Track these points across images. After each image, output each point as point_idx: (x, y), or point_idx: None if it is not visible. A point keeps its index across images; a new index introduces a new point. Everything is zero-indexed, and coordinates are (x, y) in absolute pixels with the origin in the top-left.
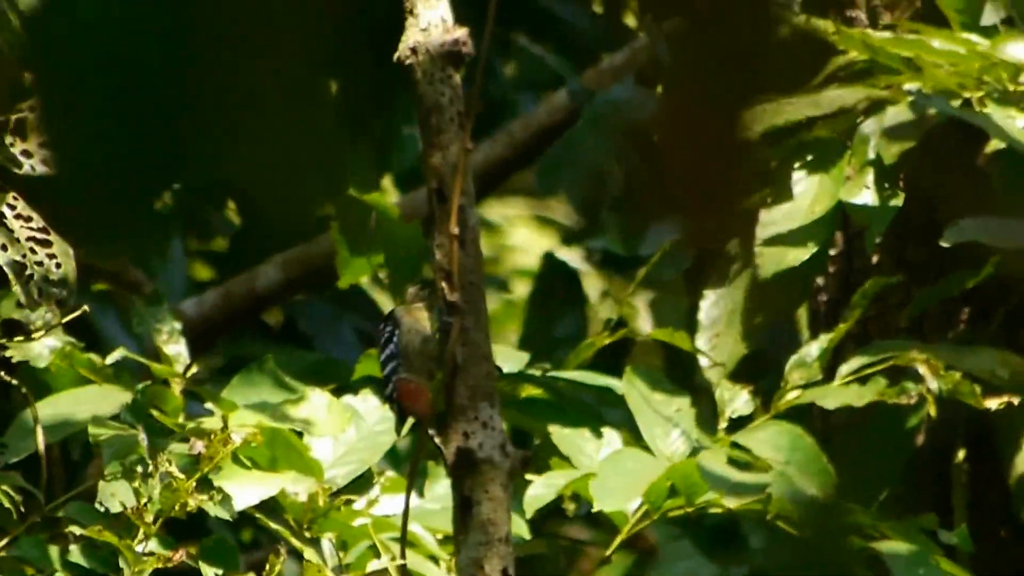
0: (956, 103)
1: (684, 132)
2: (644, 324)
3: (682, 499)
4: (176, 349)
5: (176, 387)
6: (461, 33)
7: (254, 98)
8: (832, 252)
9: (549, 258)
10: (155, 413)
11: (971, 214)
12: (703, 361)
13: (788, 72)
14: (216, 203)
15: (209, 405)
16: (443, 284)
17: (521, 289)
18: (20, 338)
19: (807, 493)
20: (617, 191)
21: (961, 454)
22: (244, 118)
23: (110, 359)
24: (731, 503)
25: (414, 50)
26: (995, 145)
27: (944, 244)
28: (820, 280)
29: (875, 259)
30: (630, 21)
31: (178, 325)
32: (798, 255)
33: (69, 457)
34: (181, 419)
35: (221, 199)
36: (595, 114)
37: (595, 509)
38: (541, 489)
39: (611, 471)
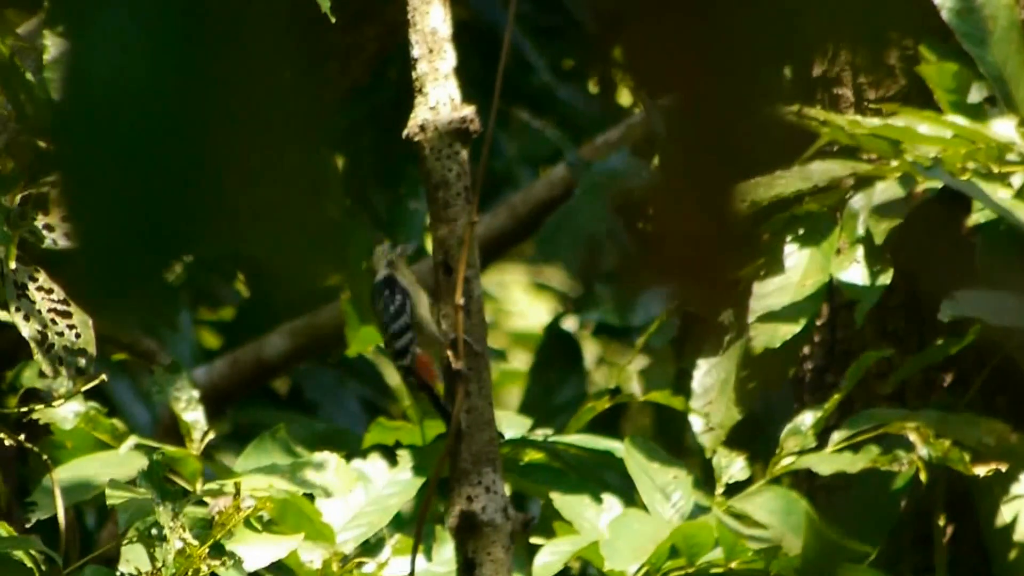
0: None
1: (677, 203)
2: (635, 388)
3: (683, 559)
4: (194, 416)
5: (193, 452)
6: (468, 111)
7: (263, 171)
8: (818, 322)
9: (551, 327)
10: (172, 477)
11: (954, 285)
12: (696, 425)
13: (778, 148)
14: (225, 274)
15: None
16: (449, 352)
17: (519, 353)
18: (41, 406)
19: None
20: (611, 260)
21: (942, 515)
22: (253, 191)
23: (129, 442)
24: (733, 563)
25: (423, 127)
26: (977, 218)
27: (942, 319)
28: (805, 348)
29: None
30: (623, 100)
31: (196, 393)
32: (790, 329)
33: (83, 521)
34: (199, 485)
35: (230, 270)
36: (592, 183)
37: (606, 569)
38: (549, 557)
39: (619, 533)
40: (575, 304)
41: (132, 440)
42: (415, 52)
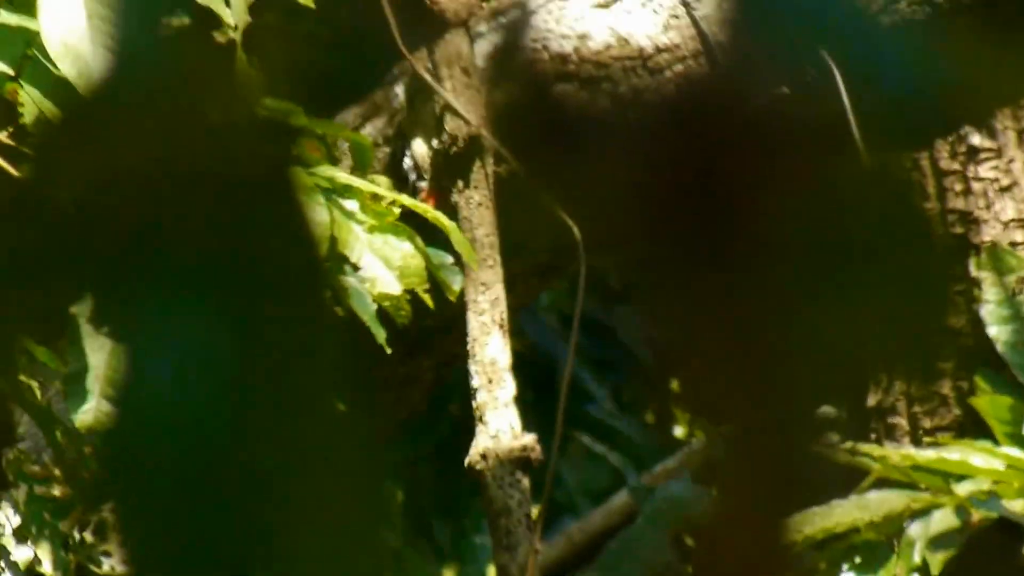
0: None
1: (736, 532)
2: None
3: None
4: None
5: None
6: (529, 439)
7: (317, 505)
8: None
9: None
10: None
11: None
12: None
13: (836, 478)
14: None
15: None
16: None
17: None
18: None
19: None
20: None
21: None
22: (307, 525)
23: None
24: None
25: (484, 456)
26: None
27: None
28: None
29: None
30: (680, 432)
31: None
32: None
33: None
34: None
35: None
36: (654, 510)
37: None
38: None
39: None
40: None
41: None
42: (475, 382)
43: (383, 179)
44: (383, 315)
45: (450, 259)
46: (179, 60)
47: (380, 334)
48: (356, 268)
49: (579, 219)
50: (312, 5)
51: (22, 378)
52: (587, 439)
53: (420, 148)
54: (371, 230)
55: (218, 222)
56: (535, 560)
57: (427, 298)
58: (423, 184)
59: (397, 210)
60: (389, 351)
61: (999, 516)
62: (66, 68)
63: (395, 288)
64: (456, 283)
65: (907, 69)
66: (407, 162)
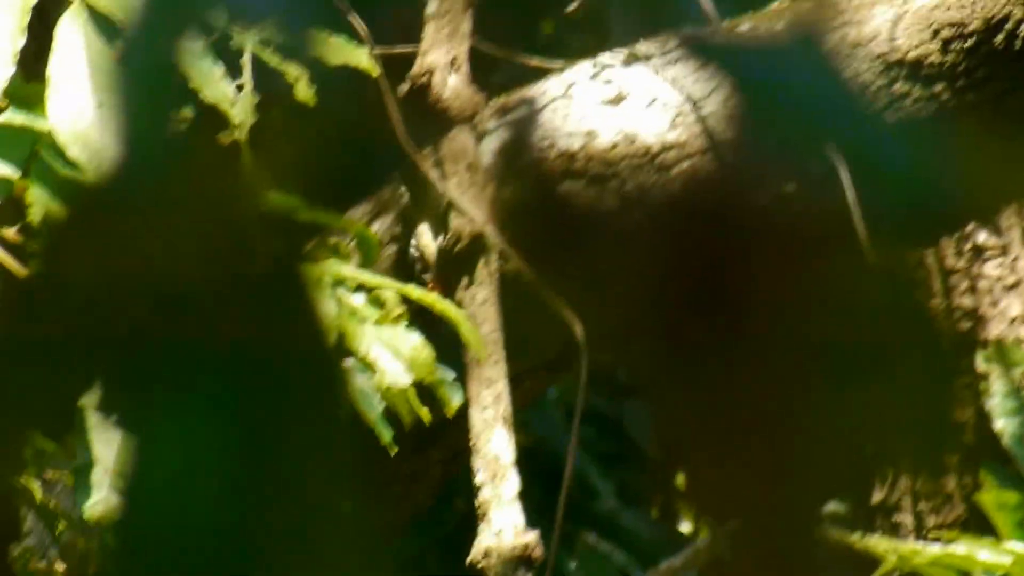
0: None
1: None
2: None
3: None
4: None
5: None
6: (531, 537)
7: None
8: None
9: None
10: None
11: None
12: None
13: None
14: None
15: None
16: None
17: None
18: None
19: None
20: None
21: None
22: None
23: None
24: None
25: (487, 554)
26: None
27: None
28: None
29: None
30: (686, 527)
31: None
32: None
33: None
34: None
35: None
36: None
37: None
38: None
39: None
40: None
41: None
42: (479, 477)
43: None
44: (389, 410)
45: (452, 375)
46: (187, 156)
47: (386, 435)
48: (364, 364)
49: (585, 315)
50: (312, 103)
51: (27, 476)
52: (592, 536)
53: (426, 238)
54: (380, 322)
55: (225, 317)
56: None
57: (424, 412)
58: (427, 276)
59: (400, 308)
60: (394, 451)
61: None
62: (75, 154)
63: (404, 379)
64: (456, 399)
65: (913, 166)
66: (412, 252)
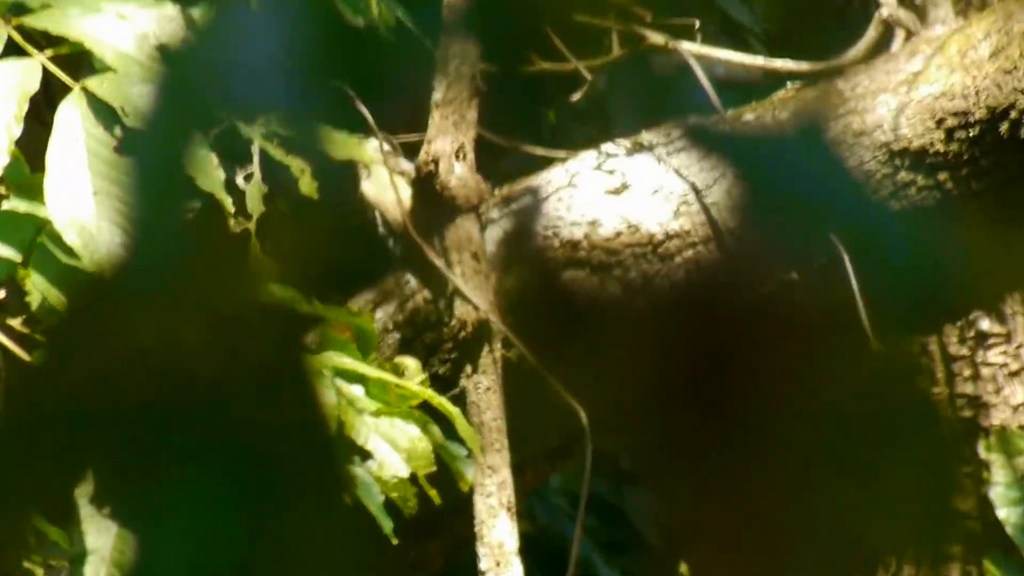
0: None
1: None
2: None
3: None
4: None
5: None
6: None
7: None
8: None
9: None
10: None
11: None
12: None
13: None
14: None
15: None
16: None
17: None
18: None
19: None
20: None
21: None
22: None
23: None
24: None
25: None
26: None
27: None
28: None
29: None
30: None
31: None
32: None
33: None
34: None
35: None
36: None
37: None
38: None
39: None
40: None
41: None
42: (482, 564)
43: (412, 361)
44: (390, 501)
45: (465, 451)
46: (192, 246)
47: (387, 524)
48: (364, 454)
49: (589, 402)
50: (315, 196)
51: (32, 562)
52: None
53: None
54: (377, 414)
55: (227, 407)
56: None
57: (434, 493)
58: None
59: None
60: (395, 541)
61: None
62: (72, 240)
63: (403, 471)
64: (470, 473)
65: (916, 254)
66: (379, 227)
